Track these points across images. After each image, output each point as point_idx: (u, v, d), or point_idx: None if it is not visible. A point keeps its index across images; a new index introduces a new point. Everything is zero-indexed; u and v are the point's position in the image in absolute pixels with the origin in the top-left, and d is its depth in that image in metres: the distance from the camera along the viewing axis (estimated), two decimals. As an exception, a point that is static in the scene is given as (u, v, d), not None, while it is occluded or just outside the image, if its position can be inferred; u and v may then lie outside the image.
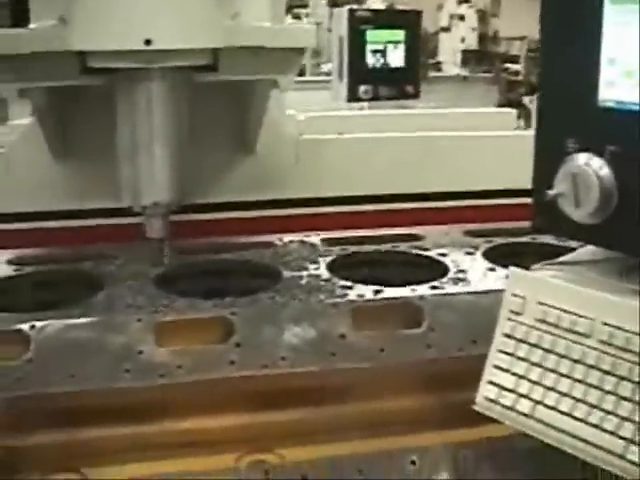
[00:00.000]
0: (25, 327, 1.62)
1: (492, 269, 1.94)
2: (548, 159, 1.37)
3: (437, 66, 16.22)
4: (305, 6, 9.99)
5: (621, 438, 1.23)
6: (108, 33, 1.72)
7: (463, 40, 14.82)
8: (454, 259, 2.03)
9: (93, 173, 2.29)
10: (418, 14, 5.86)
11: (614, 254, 1.41)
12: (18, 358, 1.56)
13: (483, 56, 14.51)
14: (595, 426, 1.26)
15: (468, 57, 14.36)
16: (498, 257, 2.03)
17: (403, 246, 2.17)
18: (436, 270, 1.97)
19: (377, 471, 1.50)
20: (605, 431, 1.25)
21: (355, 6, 6.76)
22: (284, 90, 2.02)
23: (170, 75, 1.85)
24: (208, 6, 1.77)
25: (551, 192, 1.35)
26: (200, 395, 1.58)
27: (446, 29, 16.51)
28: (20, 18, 1.89)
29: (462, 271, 1.94)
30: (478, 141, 2.62)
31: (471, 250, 2.11)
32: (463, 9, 15.59)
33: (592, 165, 1.30)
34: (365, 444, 1.56)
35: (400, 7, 7.71)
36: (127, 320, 1.66)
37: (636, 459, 1.21)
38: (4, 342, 1.61)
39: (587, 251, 1.50)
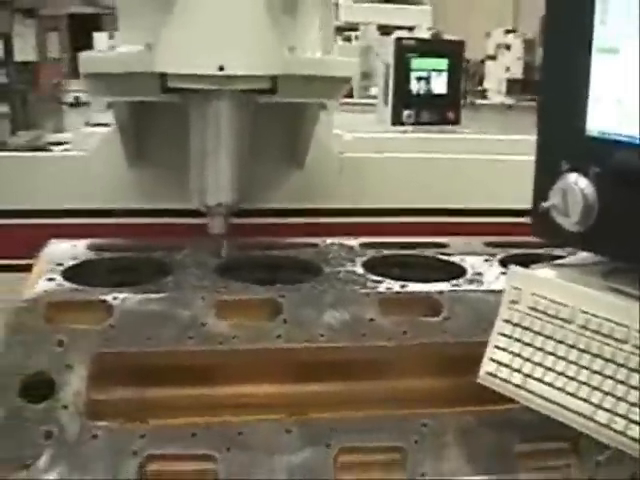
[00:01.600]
0: (109, 298, 1.96)
1: (504, 273, 2.24)
2: (545, 178, 1.68)
3: (483, 93, 16.42)
4: (356, 29, 10.16)
5: (591, 404, 1.53)
6: (188, 59, 2.06)
7: (508, 69, 15.04)
8: (472, 264, 2.33)
9: (162, 178, 2.64)
10: (461, 44, 6.10)
11: (599, 259, 1.73)
12: (102, 323, 1.90)
13: (528, 85, 14.67)
14: (572, 394, 1.56)
15: (513, 85, 14.56)
16: (512, 264, 2.33)
17: (429, 252, 2.48)
18: (456, 272, 2.28)
19: (393, 431, 1.80)
20: (579, 398, 1.55)
21: (402, 34, 7.05)
22: (331, 112, 2.35)
23: (237, 96, 2.19)
24: (270, 40, 2.10)
25: (545, 204, 1.66)
26: (250, 362, 1.90)
27: (492, 57, 16.72)
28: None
29: (478, 274, 2.25)
30: (501, 164, 2.93)
31: (489, 257, 2.41)
32: (510, 38, 15.81)
33: (579, 183, 1.61)
34: (384, 411, 1.86)
35: (446, 36, 8.01)
36: (193, 297, 1.99)
37: (604, 421, 1.50)
38: (91, 310, 1.94)
39: (578, 257, 1.81)
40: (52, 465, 1.63)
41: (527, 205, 2.47)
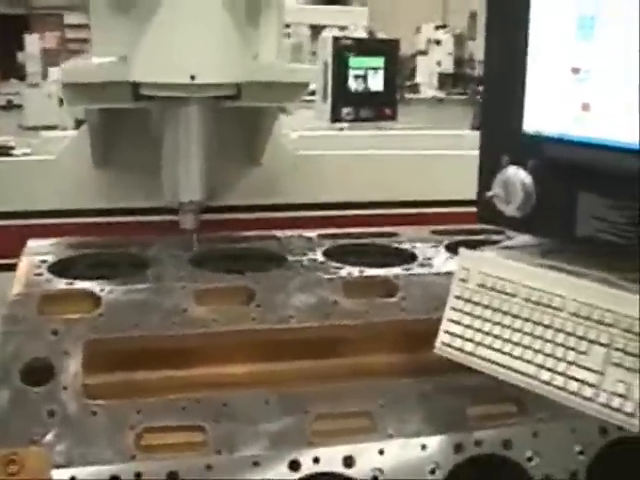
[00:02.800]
0: (96, 290, 2.15)
1: (451, 257, 2.47)
2: (488, 170, 1.91)
3: (414, 88, 16.68)
4: (287, 25, 10.26)
5: (535, 365, 1.76)
6: (162, 69, 2.26)
7: (440, 63, 15.33)
8: (422, 250, 2.57)
9: (129, 179, 2.83)
10: (396, 43, 6.35)
11: (537, 240, 1.97)
12: (92, 313, 2.09)
13: (459, 79, 14.98)
14: (517, 357, 1.78)
15: (444, 80, 14.85)
16: (457, 249, 2.57)
17: (383, 240, 2.71)
18: (408, 258, 2.51)
19: (360, 399, 2.01)
20: (524, 361, 1.77)
21: (333, 33, 7.24)
22: (290, 114, 2.56)
23: (205, 102, 2.39)
24: (236, 50, 2.31)
25: (489, 193, 1.89)
26: (229, 343, 2.10)
27: (423, 52, 17.00)
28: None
29: (428, 258, 2.48)
30: (440, 159, 3.17)
31: (436, 244, 2.64)
32: (440, 34, 16.11)
33: (518, 175, 1.84)
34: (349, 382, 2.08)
35: (381, 35, 8.23)
36: (173, 286, 2.19)
37: (546, 379, 1.73)
38: (80, 301, 2.13)
39: (519, 239, 2.04)
40: (58, 440, 1.80)
41: (463, 196, 2.69)
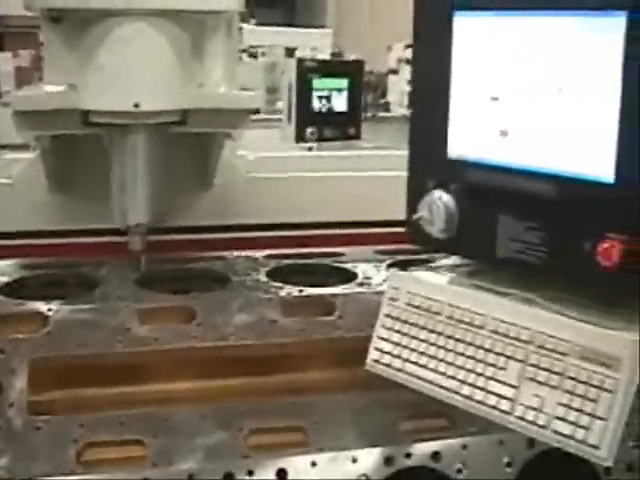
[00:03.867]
0: (44, 309, 2.23)
1: (390, 277, 2.56)
2: (415, 193, 2.00)
3: (386, 106, 16.80)
4: (262, 45, 10.28)
5: (457, 380, 1.84)
6: (108, 97, 2.35)
7: (410, 82, 15.48)
8: (363, 270, 2.66)
9: (82, 201, 2.90)
10: (360, 63, 6.43)
11: (465, 261, 2.06)
12: (40, 331, 2.17)
13: (430, 98, 15.06)
14: (442, 373, 1.87)
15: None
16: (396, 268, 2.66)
17: (327, 260, 2.79)
18: (348, 277, 2.60)
19: (295, 414, 2.09)
20: (448, 376, 1.86)
21: (305, 54, 7.33)
22: (236, 140, 2.65)
23: (151, 128, 2.48)
24: (181, 78, 2.40)
25: (415, 216, 1.98)
26: (170, 361, 2.18)
27: (394, 71, 17.15)
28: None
29: (368, 278, 2.57)
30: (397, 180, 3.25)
31: (378, 264, 2.73)
32: (409, 53, 16.25)
33: (442, 198, 1.94)
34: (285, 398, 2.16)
35: (347, 56, 8.32)
36: (118, 306, 2.27)
37: (468, 394, 1.82)
38: (28, 321, 2.21)
39: (449, 260, 2.13)
40: (1, 454, 1.87)
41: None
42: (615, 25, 1.61)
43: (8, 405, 1.97)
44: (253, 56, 9.20)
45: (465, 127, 1.91)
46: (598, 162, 1.66)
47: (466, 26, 1.87)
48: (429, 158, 1.99)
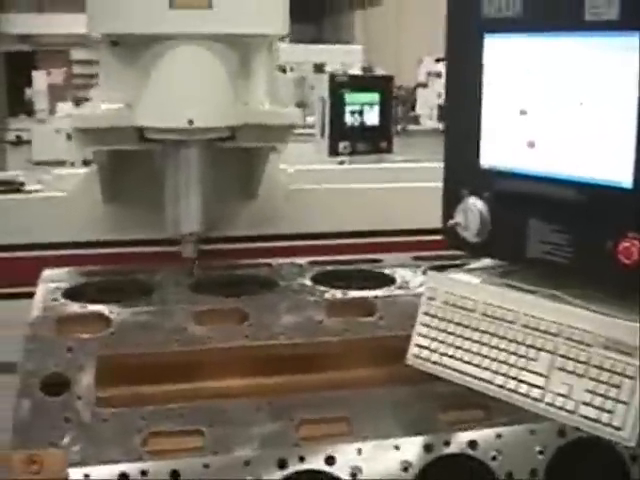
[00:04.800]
0: (106, 312, 2.41)
1: (427, 281, 2.73)
2: (450, 201, 2.17)
3: (415, 119, 16.91)
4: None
5: (491, 371, 2.00)
6: (163, 115, 2.54)
7: (440, 95, 15.57)
8: (402, 274, 2.82)
9: (135, 213, 3.09)
10: (390, 79, 6.58)
11: (497, 262, 2.22)
12: (103, 332, 2.35)
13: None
14: (476, 365, 2.03)
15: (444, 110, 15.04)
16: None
17: (366, 266, 2.97)
18: (388, 281, 2.77)
19: (341, 406, 2.25)
20: (482, 368, 2.02)
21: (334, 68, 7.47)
22: (280, 154, 2.84)
23: (203, 143, 2.67)
24: (230, 96, 2.59)
25: (451, 222, 2.15)
26: (224, 359, 2.35)
27: (424, 85, 17.26)
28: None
29: (406, 282, 2.74)
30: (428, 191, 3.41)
31: (415, 269, 2.90)
32: (440, 66, 16.37)
33: (476, 205, 2.11)
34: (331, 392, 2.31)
35: (377, 71, 8.50)
36: (175, 309, 2.46)
37: (501, 383, 1.98)
38: (92, 322, 2.39)
39: (483, 262, 2.30)
40: (74, 442, 2.04)
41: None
42: (630, 44, 1.77)
43: (77, 398, 2.14)
44: (282, 71, 9.36)
45: (496, 139, 2.08)
46: (618, 169, 1.82)
47: (496, 46, 2.04)
48: (463, 168, 2.15)
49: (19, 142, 14.79)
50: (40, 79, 16.02)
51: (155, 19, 2.50)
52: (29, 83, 15.87)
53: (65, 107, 14.75)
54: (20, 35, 20.58)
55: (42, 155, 12.77)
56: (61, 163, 11.47)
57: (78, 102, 15.87)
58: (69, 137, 12.59)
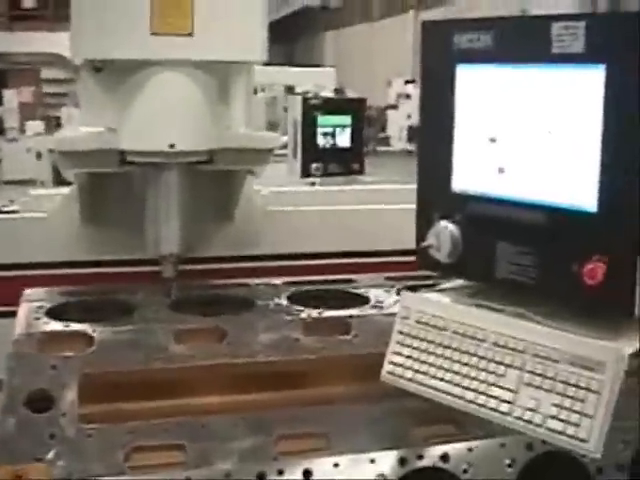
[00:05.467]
0: (89, 330, 2.48)
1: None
2: (423, 224, 2.26)
3: (385, 141, 17.04)
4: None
5: (461, 387, 2.08)
6: (145, 139, 2.62)
7: (410, 116, 15.73)
8: (375, 294, 2.91)
9: (114, 233, 3.16)
10: (362, 101, 6.67)
11: (467, 283, 2.31)
12: (85, 351, 2.41)
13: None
14: (448, 381, 2.11)
15: (414, 132, 15.24)
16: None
17: (341, 286, 3.05)
18: (362, 301, 2.85)
19: (318, 422, 2.32)
20: (453, 384, 2.10)
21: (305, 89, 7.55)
22: (258, 176, 2.92)
23: (183, 166, 2.74)
24: (209, 122, 2.67)
25: (424, 243, 2.24)
26: (204, 376, 2.42)
27: (394, 106, 17.42)
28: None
29: (380, 301, 2.83)
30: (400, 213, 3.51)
31: (388, 289, 2.99)
32: (410, 88, 16.55)
33: (448, 227, 2.19)
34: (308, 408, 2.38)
35: (349, 93, 8.59)
36: (155, 328, 2.52)
37: (471, 398, 2.06)
38: (74, 340, 2.46)
39: (454, 282, 2.38)
40: (59, 457, 2.09)
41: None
42: (595, 75, 1.87)
43: (61, 415, 2.20)
44: (254, 92, 9.35)
45: (467, 165, 2.17)
46: (583, 194, 1.92)
47: (467, 76, 2.13)
48: (435, 192, 2.24)
49: (-12, 161, 14.78)
50: (11, 97, 16.07)
51: (137, 46, 2.58)
52: (0, 102, 15.89)
53: (34, 125, 14.84)
54: (-10, 53, 20.54)
55: (12, 174, 12.80)
56: (31, 182, 11.52)
57: (48, 121, 15.90)
58: (39, 156, 12.64)
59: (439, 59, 2.20)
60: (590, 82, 1.89)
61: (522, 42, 2.03)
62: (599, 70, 1.87)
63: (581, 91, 1.91)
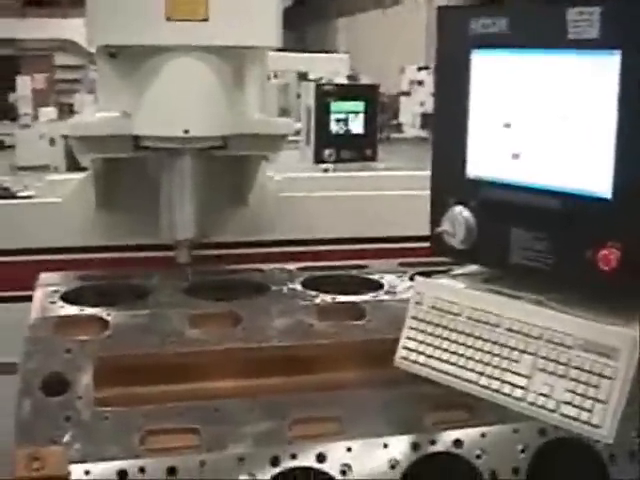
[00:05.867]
0: (104, 314, 2.49)
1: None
2: (438, 210, 2.26)
3: (398, 127, 17.00)
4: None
5: (475, 372, 2.09)
6: (160, 124, 2.62)
7: (422, 104, 15.68)
8: (389, 280, 2.92)
9: (128, 219, 3.17)
10: (376, 87, 6.66)
11: (481, 269, 2.32)
12: (100, 335, 2.43)
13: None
14: (462, 367, 2.12)
15: (427, 119, 15.19)
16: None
17: (354, 272, 3.06)
18: (376, 286, 2.86)
19: (332, 406, 2.33)
20: (467, 369, 2.11)
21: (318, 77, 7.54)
22: (272, 162, 2.93)
23: (197, 151, 2.75)
24: (223, 107, 2.68)
25: (438, 229, 2.24)
26: (219, 360, 2.42)
27: (407, 93, 17.37)
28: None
29: (393, 287, 2.83)
30: (413, 199, 3.52)
31: (401, 275, 2.99)
32: (423, 75, 16.49)
33: (462, 213, 2.20)
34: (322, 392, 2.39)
35: (362, 79, 8.57)
36: (170, 312, 2.53)
37: (485, 384, 2.07)
38: (89, 325, 2.47)
39: (467, 268, 2.39)
40: (74, 440, 2.11)
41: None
42: (611, 61, 1.87)
43: (77, 397, 2.21)
44: (267, 78, 9.34)
45: (482, 150, 2.17)
46: (597, 180, 1.92)
47: (482, 62, 2.13)
48: (450, 178, 2.25)
49: (2, 147, 14.84)
50: (24, 84, 16.10)
51: (152, 31, 2.58)
52: (12, 88, 15.93)
53: (48, 112, 14.88)
54: (3, 39, 20.58)
55: (26, 160, 12.84)
56: (44, 168, 11.54)
57: (61, 107, 15.94)
58: (52, 142, 12.67)
59: (454, 45, 2.20)
60: (605, 68, 1.88)
61: (537, 28, 2.02)
62: (614, 56, 1.86)
63: (596, 77, 1.91)
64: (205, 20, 2.59)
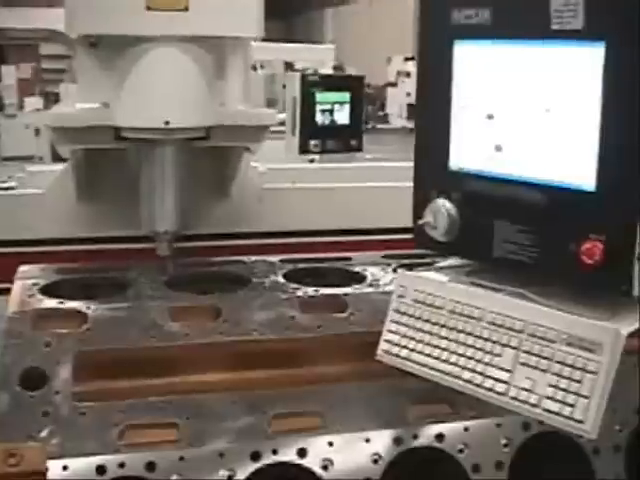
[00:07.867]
0: (83, 308, 2.46)
1: (396, 278, 2.79)
2: (420, 202, 2.24)
3: (385, 118, 17.00)
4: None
5: (458, 366, 2.07)
6: (140, 115, 2.59)
7: (409, 94, 15.67)
8: (372, 272, 2.89)
9: (109, 210, 3.15)
10: (361, 79, 6.65)
11: (463, 262, 2.30)
12: (80, 328, 2.40)
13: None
14: (444, 361, 2.10)
15: (414, 110, 15.13)
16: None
17: (337, 264, 3.03)
18: (359, 279, 2.84)
19: (313, 401, 2.31)
20: (450, 363, 2.09)
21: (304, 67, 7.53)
22: (254, 153, 2.90)
23: (178, 143, 2.72)
24: (205, 98, 2.65)
25: (421, 222, 2.22)
26: (199, 354, 2.40)
27: (393, 84, 17.36)
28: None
29: (376, 279, 2.81)
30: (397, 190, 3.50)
31: (385, 267, 2.97)
32: (409, 66, 16.48)
33: (445, 205, 2.17)
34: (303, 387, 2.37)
35: (348, 70, 8.55)
36: (150, 305, 2.50)
37: (468, 378, 2.05)
38: (68, 318, 2.44)
39: (450, 261, 2.37)
40: (52, 436, 2.09)
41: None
42: (596, 52, 1.85)
43: (55, 392, 2.19)
44: (253, 68, 9.37)
45: (464, 142, 2.15)
46: (581, 173, 1.90)
47: (465, 52, 2.11)
48: (432, 170, 2.22)
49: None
50: (10, 74, 16.00)
51: (132, 21, 2.55)
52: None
53: (33, 101, 14.80)
54: (-12, 29, 20.44)
55: (11, 150, 12.76)
56: (30, 158, 11.49)
57: (47, 97, 15.86)
58: (38, 132, 12.60)
59: (437, 35, 2.17)
60: (589, 59, 1.86)
61: (521, 18, 2.00)
62: (599, 47, 1.84)
63: (580, 68, 1.88)
64: (185, 10, 2.55)
